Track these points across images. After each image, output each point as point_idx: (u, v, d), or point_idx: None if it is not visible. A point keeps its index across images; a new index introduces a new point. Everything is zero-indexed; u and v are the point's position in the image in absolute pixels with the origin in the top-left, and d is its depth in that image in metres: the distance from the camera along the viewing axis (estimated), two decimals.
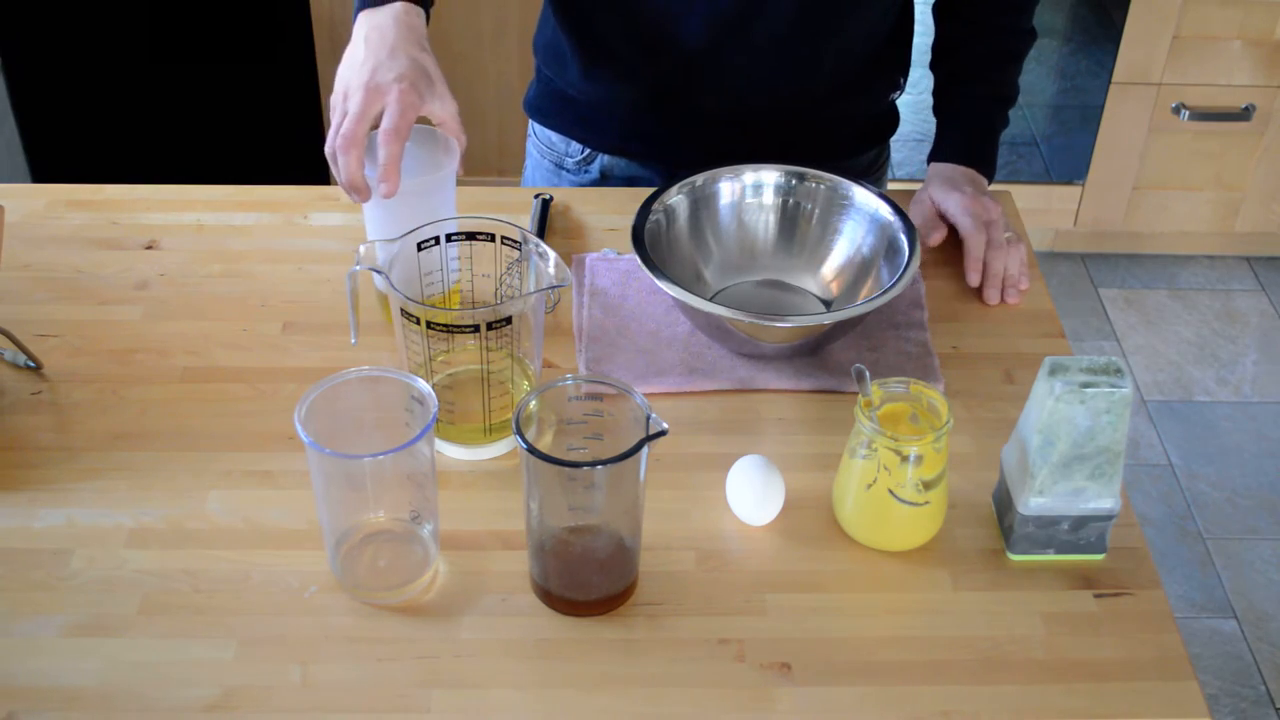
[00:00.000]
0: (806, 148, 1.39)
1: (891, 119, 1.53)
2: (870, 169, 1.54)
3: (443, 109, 1.20)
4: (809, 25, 1.35)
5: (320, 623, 1.01)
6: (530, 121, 1.56)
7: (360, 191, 1.16)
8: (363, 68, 1.17)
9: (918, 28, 1.49)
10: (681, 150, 1.44)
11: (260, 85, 2.79)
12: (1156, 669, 1.00)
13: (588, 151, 1.50)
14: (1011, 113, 1.46)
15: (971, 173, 1.41)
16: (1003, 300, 1.33)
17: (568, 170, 1.52)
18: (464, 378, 1.15)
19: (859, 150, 1.51)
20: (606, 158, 1.50)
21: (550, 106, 1.51)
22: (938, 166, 1.43)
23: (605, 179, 1.51)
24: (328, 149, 1.17)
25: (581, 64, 1.43)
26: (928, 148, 1.45)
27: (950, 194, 1.36)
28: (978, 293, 1.33)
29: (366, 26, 1.21)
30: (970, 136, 1.44)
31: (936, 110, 1.47)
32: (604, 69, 1.43)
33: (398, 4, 1.21)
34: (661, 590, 1.04)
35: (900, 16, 1.45)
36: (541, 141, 1.54)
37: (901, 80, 1.50)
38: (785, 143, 1.39)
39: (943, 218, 1.38)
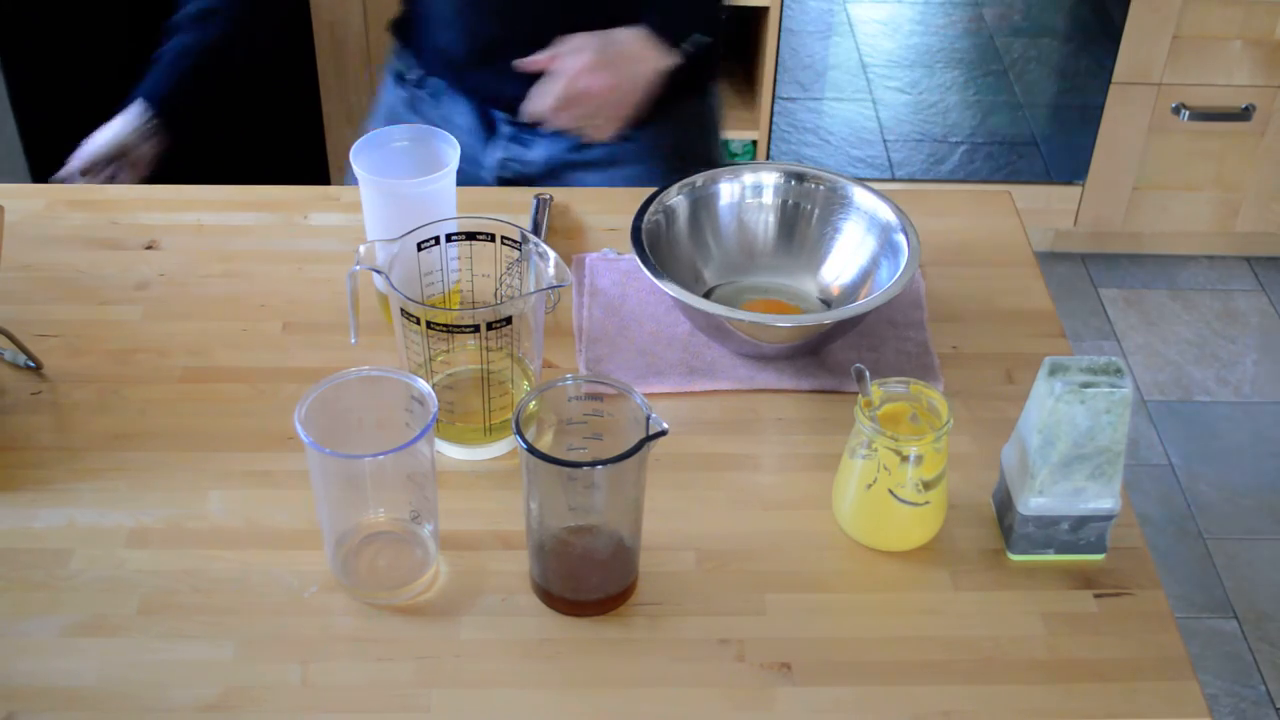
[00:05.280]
0: None
1: (707, 67, 1.54)
2: (697, 119, 1.56)
3: None
4: None
5: (320, 623, 1.01)
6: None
7: None
8: None
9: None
10: (490, 87, 1.50)
11: (260, 85, 2.78)
12: (1156, 669, 1.00)
13: (419, 73, 1.57)
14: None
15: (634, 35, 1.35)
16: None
17: (408, 83, 1.59)
18: (464, 378, 1.14)
19: (675, 97, 1.47)
20: (433, 79, 1.56)
21: (403, 24, 1.60)
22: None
23: (433, 96, 1.57)
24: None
25: None
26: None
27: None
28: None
29: None
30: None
31: None
32: None
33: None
34: (661, 590, 1.04)
35: None
36: (395, 56, 1.62)
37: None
38: None
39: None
